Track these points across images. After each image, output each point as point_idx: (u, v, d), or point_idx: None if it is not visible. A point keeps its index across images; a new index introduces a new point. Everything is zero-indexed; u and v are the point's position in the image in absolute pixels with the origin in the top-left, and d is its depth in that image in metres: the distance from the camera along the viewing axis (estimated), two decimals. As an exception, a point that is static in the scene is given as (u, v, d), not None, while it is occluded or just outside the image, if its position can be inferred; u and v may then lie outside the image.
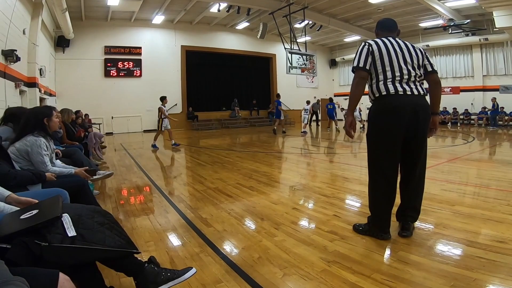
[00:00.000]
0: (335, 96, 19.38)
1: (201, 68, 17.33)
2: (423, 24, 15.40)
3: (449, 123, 16.10)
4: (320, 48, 21.63)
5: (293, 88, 20.24)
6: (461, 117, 16.22)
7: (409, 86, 2.32)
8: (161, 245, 2.51)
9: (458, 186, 4.13)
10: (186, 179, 5.07)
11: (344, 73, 22.15)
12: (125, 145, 9.74)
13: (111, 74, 14.87)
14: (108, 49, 14.72)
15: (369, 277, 1.92)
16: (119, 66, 15.00)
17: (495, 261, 2.04)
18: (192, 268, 1.74)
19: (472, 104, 15.84)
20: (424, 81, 2.48)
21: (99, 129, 11.13)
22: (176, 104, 16.25)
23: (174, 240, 2.62)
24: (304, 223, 2.94)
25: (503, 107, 14.67)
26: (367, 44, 2.40)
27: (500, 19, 12.04)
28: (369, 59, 2.36)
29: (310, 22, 14.97)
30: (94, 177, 3.30)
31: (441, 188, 3.92)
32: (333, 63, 22.67)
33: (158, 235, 2.69)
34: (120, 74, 15.05)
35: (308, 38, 16.69)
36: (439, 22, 14.13)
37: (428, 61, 2.45)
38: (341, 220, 2.90)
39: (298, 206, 3.45)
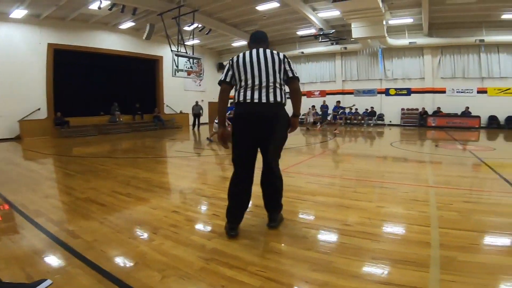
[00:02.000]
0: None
1: (74, 69, 15.23)
2: (300, 33, 17.51)
3: (318, 123, 18.04)
4: (208, 52, 21.89)
5: (181, 91, 19.92)
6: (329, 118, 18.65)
7: (260, 94, 2.51)
8: (14, 262, 2.17)
9: (319, 178, 4.83)
10: (49, 191, 4.39)
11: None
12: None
13: None
14: None
15: (245, 270, 2.07)
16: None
17: (344, 243, 2.48)
18: (46, 280, 1.56)
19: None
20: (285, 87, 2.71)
21: None
22: (39, 109, 13.87)
23: (32, 255, 2.29)
24: (183, 225, 2.96)
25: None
26: (230, 60, 2.64)
27: (356, 30, 14.62)
28: (230, 72, 2.60)
29: (200, 26, 15.01)
30: None
31: (306, 181, 4.54)
32: (221, 67, 23.05)
33: (10, 253, 2.32)
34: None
35: (196, 41, 16.71)
36: (312, 31, 16.37)
37: (289, 67, 2.61)
38: (220, 219, 3.00)
39: (178, 209, 3.45)
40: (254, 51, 2.61)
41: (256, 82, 2.52)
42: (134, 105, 17.64)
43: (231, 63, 2.61)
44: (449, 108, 16.87)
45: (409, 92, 17.82)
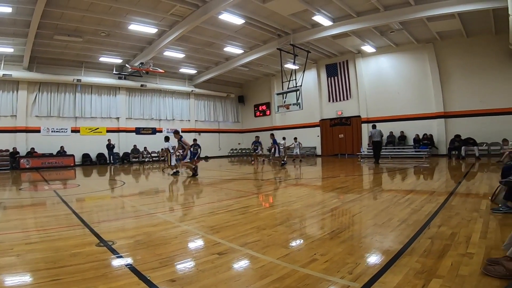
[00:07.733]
0: None
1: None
2: None
3: None
4: None
5: None
6: None
7: (376, 137, 14.69)
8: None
9: None
10: None
11: None
12: None
13: None
14: None
15: None
16: None
17: None
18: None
19: None
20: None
21: None
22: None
23: None
24: None
25: None
26: (370, 131, 14.92)
27: None
28: (369, 135, 14.74)
29: None
30: None
31: None
32: None
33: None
34: None
35: None
36: None
37: (381, 134, 14.91)
38: None
39: None
40: (374, 129, 14.36)
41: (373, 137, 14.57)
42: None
43: (370, 132, 14.63)
44: (44, 148, 16.82)
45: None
